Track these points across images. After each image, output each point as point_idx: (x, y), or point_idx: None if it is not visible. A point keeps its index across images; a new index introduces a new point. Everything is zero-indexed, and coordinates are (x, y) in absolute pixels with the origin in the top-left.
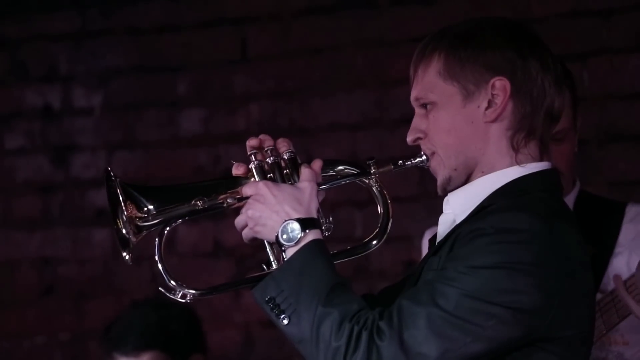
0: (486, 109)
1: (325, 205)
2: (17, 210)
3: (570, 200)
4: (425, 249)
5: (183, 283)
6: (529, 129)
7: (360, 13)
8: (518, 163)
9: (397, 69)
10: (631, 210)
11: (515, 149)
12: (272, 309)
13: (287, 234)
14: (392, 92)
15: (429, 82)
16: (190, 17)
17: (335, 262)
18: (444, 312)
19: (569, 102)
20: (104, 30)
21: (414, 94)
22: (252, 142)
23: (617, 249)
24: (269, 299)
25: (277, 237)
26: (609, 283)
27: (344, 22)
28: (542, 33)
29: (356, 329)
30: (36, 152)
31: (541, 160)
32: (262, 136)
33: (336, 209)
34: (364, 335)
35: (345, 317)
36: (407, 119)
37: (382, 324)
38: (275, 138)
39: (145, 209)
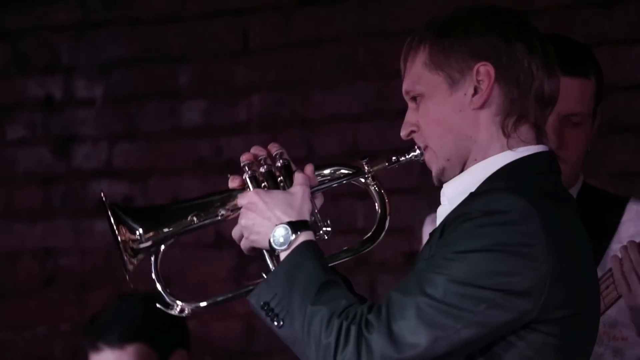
0: (472, 95)
1: (327, 196)
2: (18, 201)
3: (573, 192)
4: (426, 236)
5: (180, 300)
6: (519, 113)
7: (361, 4)
8: (510, 148)
9: (399, 60)
10: (632, 209)
11: (506, 134)
12: (267, 313)
13: (278, 237)
14: (394, 83)
15: (416, 74)
16: (192, 8)
17: (335, 263)
18: (432, 300)
19: (592, 89)
20: (105, 21)
21: (403, 87)
22: (245, 157)
23: (613, 245)
24: (263, 304)
25: (269, 242)
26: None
27: (345, 13)
28: (543, 24)
29: (345, 323)
30: (37, 143)
31: (538, 143)
32: (254, 149)
33: (338, 200)
34: (353, 329)
35: (334, 313)
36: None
37: (371, 317)
38: (276, 129)
39: (137, 232)
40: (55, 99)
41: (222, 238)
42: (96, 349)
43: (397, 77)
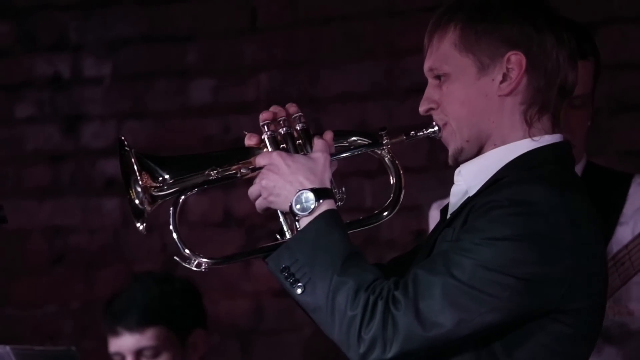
0: (501, 82)
1: (335, 176)
2: (27, 180)
3: (577, 171)
4: (432, 221)
5: (198, 252)
6: (542, 104)
7: None
8: (531, 136)
9: (407, 39)
10: (637, 181)
11: (528, 122)
12: (286, 278)
13: (301, 204)
14: (402, 61)
15: (444, 54)
16: None
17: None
18: (459, 283)
19: (592, 70)
20: None
21: (427, 64)
22: (264, 115)
23: (622, 219)
24: (283, 268)
25: (291, 207)
26: (612, 253)
27: None
28: (552, 3)
29: (372, 298)
30: (46, 121)
31: (554, 133)
32: (273, 108)
33: (346, 179)
34: (380, 305)
35: (361, 286)
36: (416, 88)
37: (398, 294)
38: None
39: (160, 178)
40: (63, 77)
41: (231, 217)
42: (115, 333)
43: (406, 55)
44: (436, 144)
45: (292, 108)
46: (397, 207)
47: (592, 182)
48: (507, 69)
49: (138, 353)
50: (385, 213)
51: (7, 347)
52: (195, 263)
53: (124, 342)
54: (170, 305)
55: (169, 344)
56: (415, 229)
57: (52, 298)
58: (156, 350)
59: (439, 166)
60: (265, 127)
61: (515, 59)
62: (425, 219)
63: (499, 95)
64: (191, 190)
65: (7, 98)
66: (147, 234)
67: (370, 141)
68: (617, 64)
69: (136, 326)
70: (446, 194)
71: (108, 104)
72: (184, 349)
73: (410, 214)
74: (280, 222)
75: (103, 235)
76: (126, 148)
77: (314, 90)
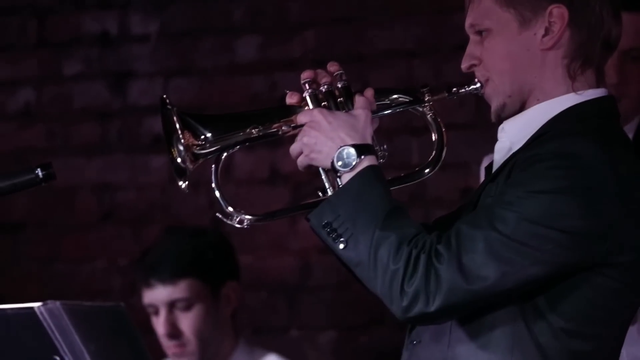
0: (543, 36)
1: (381, 133)
2: (75, 137)
3: (633, 126)
4: (482, 177)
5: (240, 209)
6: (585, 58)
7: None
8: (574, 91)
9: None
10: None
11: (571, 76)
12: (328, 233)
13: (343, 160)
14: (449, 18)
15: (485, 9)
16: None
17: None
18: (502, 236)
19: None
20: None
21: (469, 20)
22: (306, 74)
23: None
24: (325, 223)
25: (332, 163)
26: None
27: None
28: None
29: (414, 251)
30: (94, 79)
31: (598, 87)
32: (316, 70)
33: (392, 136)
34: (422, 258)
35: (404, 240)
36: (463, 45)
37: (441, 247)
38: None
39: (203, 136)
40: (110, 34)
41: (277, 174)
42: (149, 285)
43: (452, 12)
44: (482, 100)
45: (333, 66)
46: (439, 165)
47: None
48: (549, 22)
49: (171, 305)
50: (427, 170)
51: (57, 303)
52: (237, 220)
53: (157, 294)
54: (203, 257)
55: (201, 295)
56: (462, 186)
57: (101, 255)
58: (189, 302)
59: (486, 123)
60: (307, 85)
61: (558, 12)
62: (472, 175)
63: (541, 50)
64: (233, 148)
65: (55, 56)
66: (194, 191)
67: (411, 98)
68: None
69: (169, 278)
70: (493, 150)
71: (155, 61)
72: (217, 301)
73: (456, 171)
74: (322, 180)
75: (150, 193)
76: (168, 107)
77: (360, 47)
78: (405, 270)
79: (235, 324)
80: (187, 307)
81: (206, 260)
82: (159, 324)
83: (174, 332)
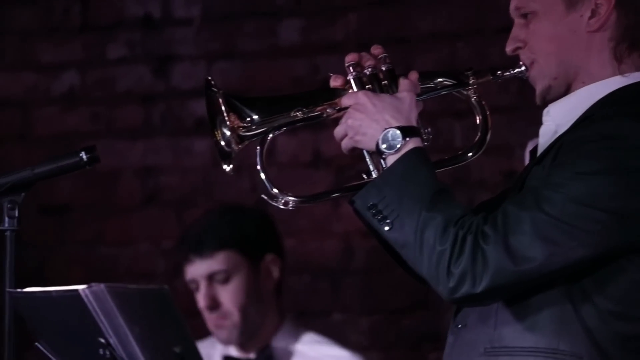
0: (589, 18)
1: (425, 116)
2: (119, 120)
3: None
4: (527, 161)
5: (285, 191)
6: (632, 40)
7: None
8: (621, 73)
9: None
10: None
11: (618, 59)
12: (374, 215)
13: (388, 142)
14: (493, 0)
15: None
16: None
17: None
18: (549, 217)
19: None
20: None
21: (513, 3)
22: (350, 57)
23: None
24: (371, 205)
25: (377, 145)
26: None
27: None
28: None
29: (461, 233)
30: (137, 62)
31: None
32: (360, 53)
33: (435, 119)
34: (469, 239)
35: (450, 221)
36: (507, 28)
37: (487, 228)
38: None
39: (248, 119)
40: (153, 18)
41: (320, 157)
42: (189, 261)
43: None
44: (526, 83)
45: (377, 50)
46: (483, 148)
47: None
48: (596, 4)
49: (210, 278)
50: (470, 154)
51: (102, 285)
52: (282, 201)
53: (197, 269)
54: (240, 230)
55: (240, 268)
56: (506, 169)
57: (145, 237)
58: (227, 274)
59: (530, 106)
60: (351, 68)
61: None
62: (515, 159)
63: (588, 32)
64: (278, 130)
65: (98, 39)
66: (237, 175)
67: (456, 82)
68: None
69: (207, 251)
70: (537, 134)
71: (198, 44)
72: (257, 274)
73: (500, 154)
74: (367, 162)
75: (193, 176)
76: (213, 89)
77: (404, 30)
78: (452, 252)
79: (280, 302)
80: (226, 280)
81: (244, 233)
82: (200, 298)
83: (214, 304)
